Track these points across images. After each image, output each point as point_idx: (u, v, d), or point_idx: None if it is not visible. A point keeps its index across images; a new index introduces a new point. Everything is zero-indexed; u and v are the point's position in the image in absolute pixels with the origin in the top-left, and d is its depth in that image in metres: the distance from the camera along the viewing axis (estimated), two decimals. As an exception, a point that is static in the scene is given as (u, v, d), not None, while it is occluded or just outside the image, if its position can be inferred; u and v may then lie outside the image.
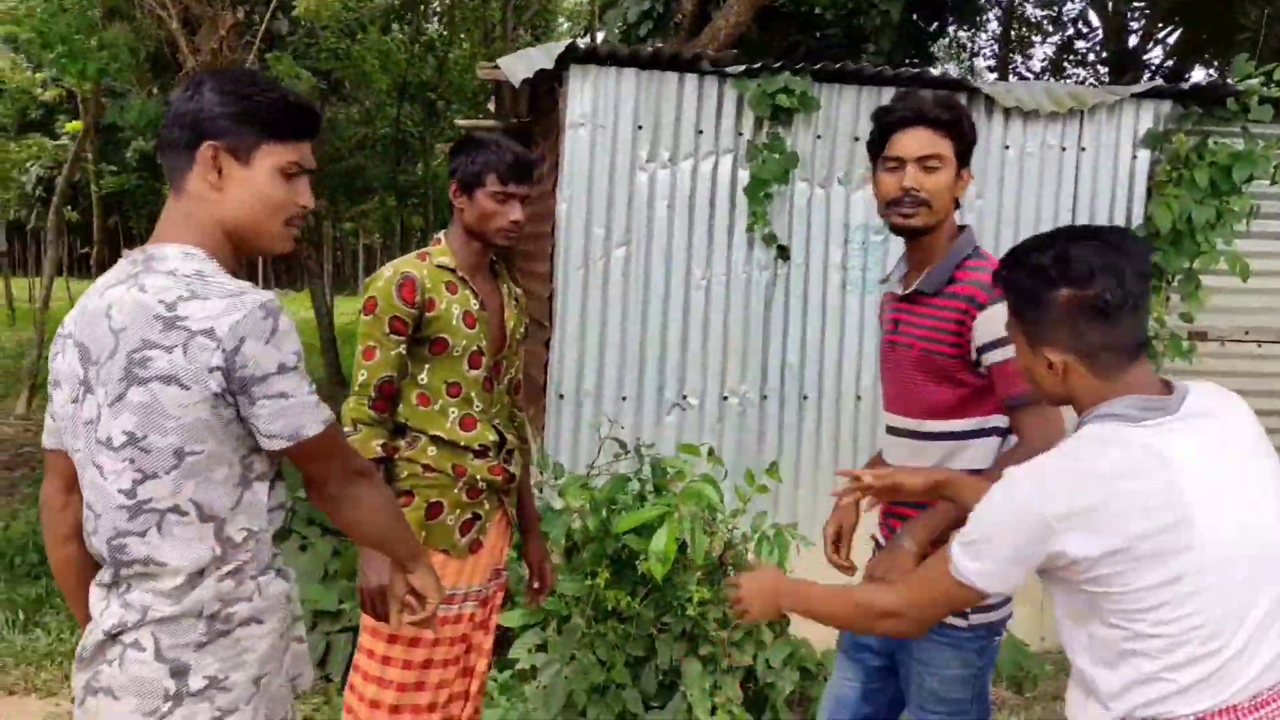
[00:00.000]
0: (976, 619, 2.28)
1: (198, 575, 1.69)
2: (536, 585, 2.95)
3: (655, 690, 3.63)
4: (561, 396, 4.48)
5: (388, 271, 2.58)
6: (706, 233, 4.53)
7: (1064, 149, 4.75)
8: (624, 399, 4.51)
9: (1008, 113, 4.67)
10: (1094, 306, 1.60)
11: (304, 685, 1.95)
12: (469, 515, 2.66)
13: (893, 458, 2.43)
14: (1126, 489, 1.54)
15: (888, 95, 4.54)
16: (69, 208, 11.72)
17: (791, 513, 4.53)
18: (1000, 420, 2.26)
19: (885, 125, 2.31)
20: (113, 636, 1.71)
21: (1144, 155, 4.78)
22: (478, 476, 2.65)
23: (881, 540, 2.50)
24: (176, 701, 1.68)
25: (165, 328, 1.61)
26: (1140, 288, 1.62)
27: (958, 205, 2.35)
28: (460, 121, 6.93)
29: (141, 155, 26.39)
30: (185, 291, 1.63)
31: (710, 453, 3.73)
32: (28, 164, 16.60)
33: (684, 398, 4.56)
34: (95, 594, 1.76)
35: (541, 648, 3.75)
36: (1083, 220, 4.77)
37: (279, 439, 1.67)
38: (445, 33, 13.38)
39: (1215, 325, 4.92)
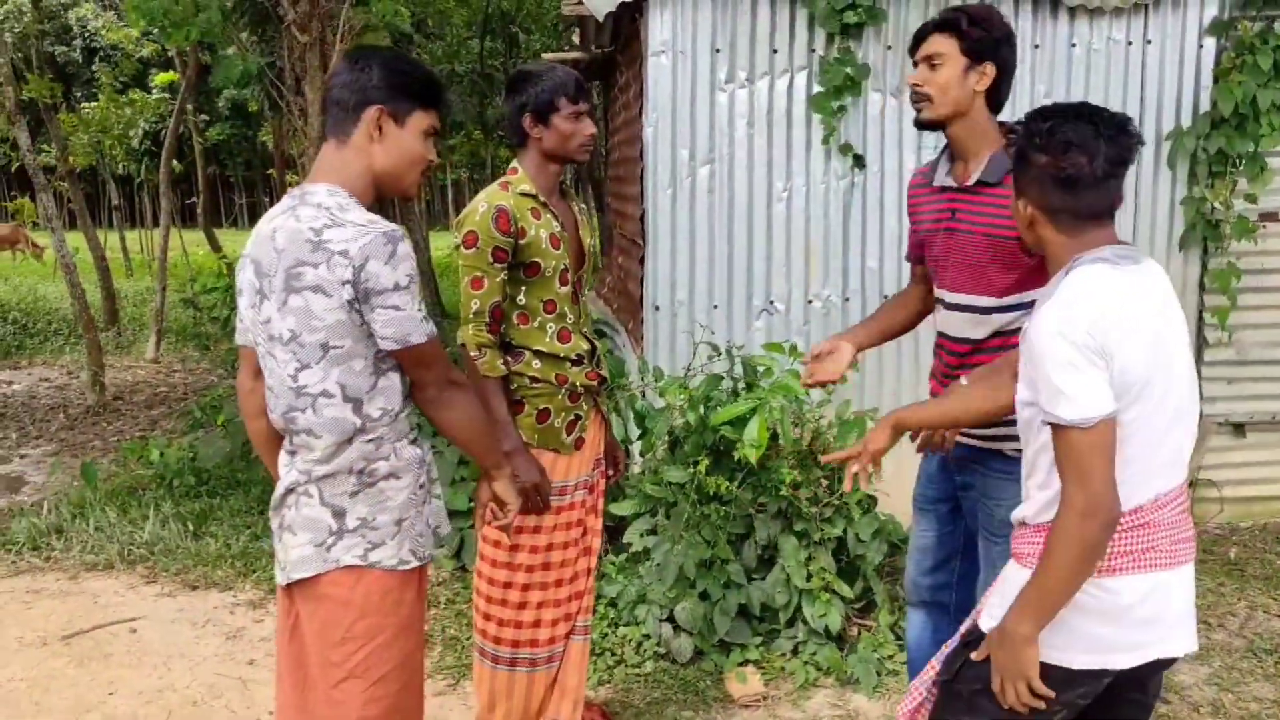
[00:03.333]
0: None
1: (345, 442, 2.14)
2: (612, 472, 3.29)
3: (755, 564, 4.04)
4: (657, 308, 4.86)
5: (481, 205, 2.79)
6: (785, 147, 4.81)
7: (1130, 43, 4.88)
8: (715, 307, 4.87)
9: (1073, 11, 4.82)
10: (1059, 177, 1.91)
11: (444, 532, 2.43)
12: (572, 417, 2.99)
13: (953, 329, 2.72)
14: (1122, 310, 1.85)
15: (955, 1, 4.74)
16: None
17: (875, 399, 4.85)
18: (1038, 294, 2.57)
19: (913, 41, 2.66)
20: (290, 490, 2.20)
21: (1209, 44, 4.89)
22: (577, 383, 2.96)
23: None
24: (338, 536, 2.17)
25: (313, 249, 2.04)
26: (1111, 171, 1.90)
27: (994, 101, 2.61)
28: (546, 56, 7.21)
29: (233, 105, 27.13)
30: (329, 220, 2.06)
31: (794, 349, 4.08)
32: (139, 121, 17.32)
33: (771, 303, 4.90)
34: (282, 458, 2.26)
35: (651, 532, 4.18)
36: (1150, 112, 4.93)
37: (390, 341, 2.09)
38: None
39: (1285, 205, 5.05)
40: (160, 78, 20.18)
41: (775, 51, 4.74)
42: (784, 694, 3.73)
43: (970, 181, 2.61)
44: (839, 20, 4.61)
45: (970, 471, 2.73)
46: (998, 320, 2.62)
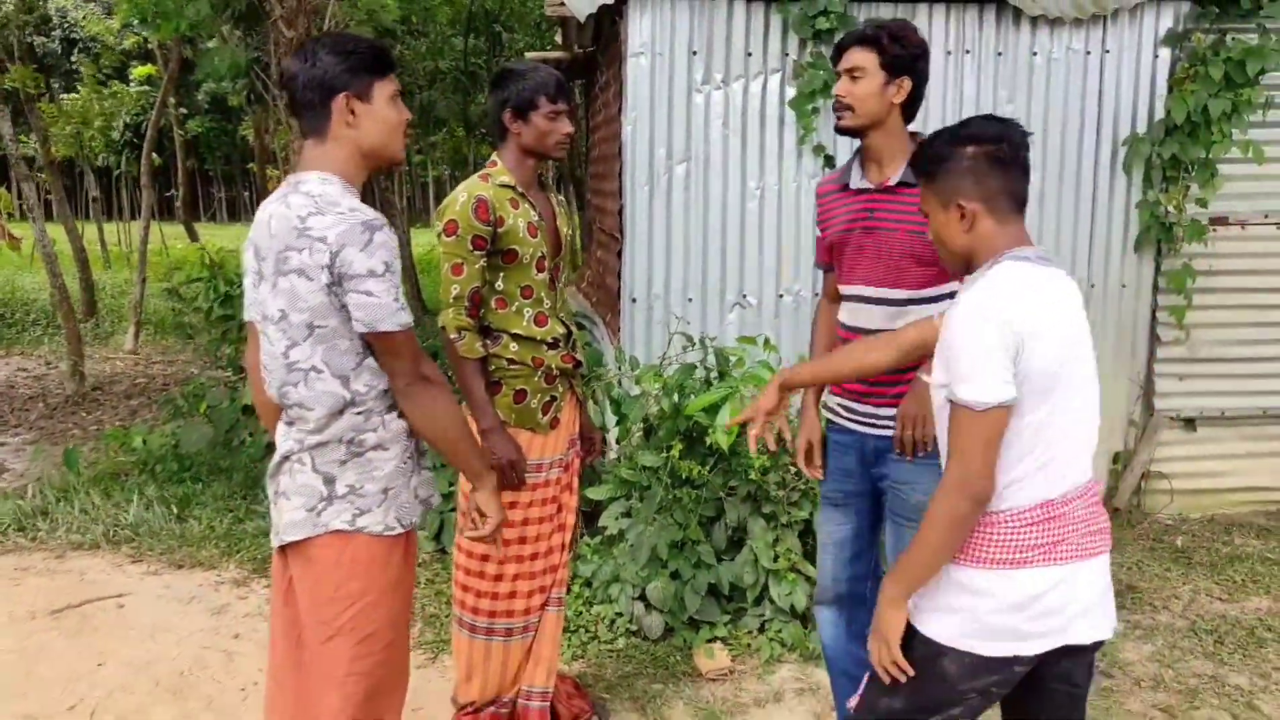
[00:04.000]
0: None
1: (336, 414, 2.25)
2: (587, 453, 3.42)
3: (725, 545, 4.21)
4: (634, 300, 5.02)
5: (462, 195, 2.91)
6: (759, 147, 4.99)
7: (1089, 53, 5.09)
8: (690, 300, 5.04)
9: (1034, 21, 5.02)
10: (994, 157, 2.04)
11: (435, 503, 2.51)
12: (548, 398, 3.12)
13: (865, 321, 2.84)
14: (1041, 305, 1.96)
15: (921, 10, 4.94)
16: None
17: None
18: (954, 287, 2.71)
19: (835, 51, 2.83)
20: (286, 458, 2.33)
21: (1164, 54, 5.10)
22: (552, 365, 3.09)
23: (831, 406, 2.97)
24: (328, 502, 2.29)
25: (298, 235, 2.17)
26: (1022, 156, 2.07)
27: (908, 110, 2.77)
28: (530, 55, 7.36)
29: (213, 99, 27.07)
30: (314, 208, 2.18)
31: (766, 342, 4.25)
32: (121, 113, 17.30)
33: (744, 297, 5.07)
34: (280, 429, 2.39)
35: (626, 515, 4.33)
36: (1107, 119, 5.14)
37: (361, 325, 2.19)
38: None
39: (1234, 210, 5.27)
40: (139, 70, 20.15)
41: (750, 54, 4.92)
42: (749, 669, 3.90)
43: (890, 183, 2.77)
44: (811, 26, 4.79)
45: (886, 461, 2.85)
46: (913, 313, 2.74)
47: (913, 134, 2.82)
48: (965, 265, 2.12)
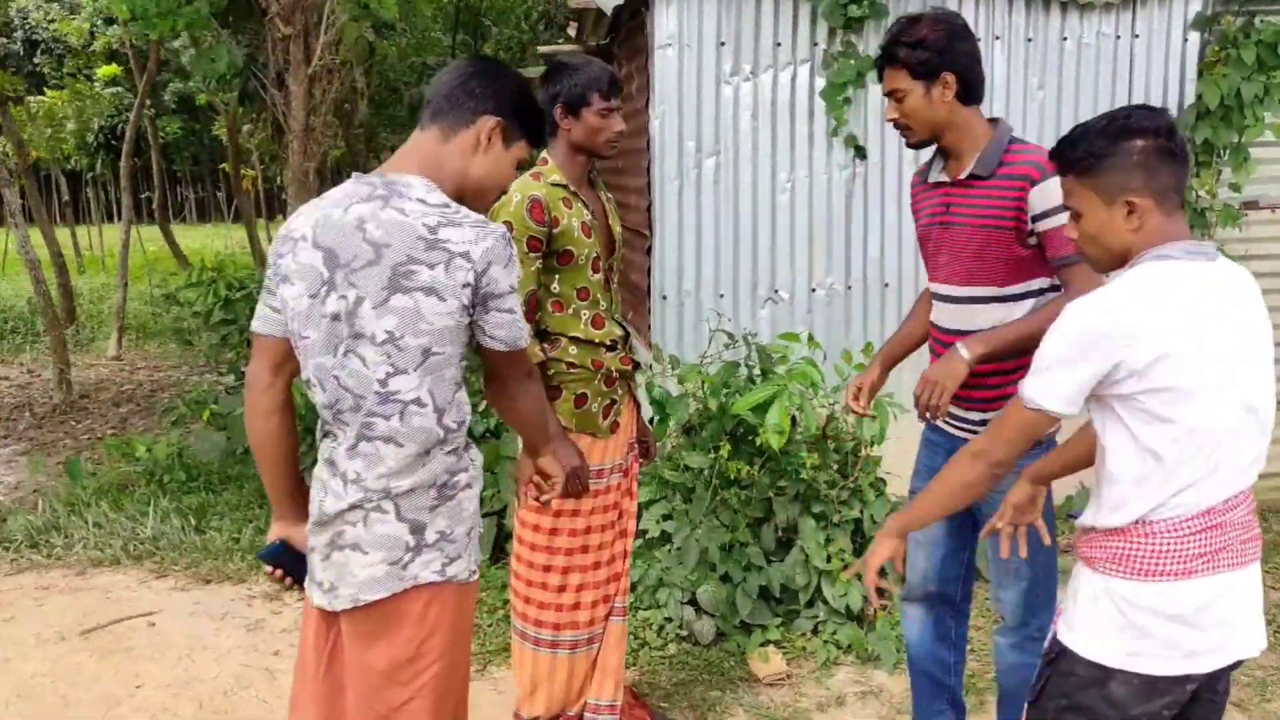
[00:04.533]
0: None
1: (425, 454, 2.04)
2: (644, 456, 3.33)
3: (774, 546, 4.13)
4: (665, 297, 4.92)
5: (515, 196, 2.81)
6: (789, 138, 4.90)
7: (1119, 37, 5.04)
8: (721, 296, 4.95)
9: (1064, 6, 4.96)
10: (1165, 149, 1.93)
11: (479, 533, 2.33)
12: (608, 401, 3.03)
13: (948, 321, 2.78)
14: (1174, 305, 1.86)
15: (951, -3, 4.86)
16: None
17: (891, 384, 4.94)
18: (1042, 283, 2.65)
19: (877, 71, 2.74)
20: (357, 506, 2.04)
21: (1194, 38, 5.06)
22: (612, 368, 3.01)
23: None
24: (415, 552, 2.06)
25: (428, 247, 1.95)
26: (1184, 148, 1.96)
27: (969, 95, 2.64)
28: (542, 49, 7.23)
29: (180, 99, 26.63)
30: (442, 219, 1.98)
31: (810, 338, 4.18)
32: (94, 116, 16.97)
33: (776, 291, 4.99)
34: (337, 464, 2.07)
35: (667, 517, 4.24)
36: (1138, 104, 5.09)
37: (499, 343, 2.07)
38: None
39: (1267, 194, 5.24)
40: (104, 71, 19.82)
41: (779, 44, 4.82)
42: (806, 672, 3.83)
43: (962, 175, 2.69)
44: (843, 14, 4.70)
45: None
46: (996, 312, 2.66)
47: (992, 120, 2.72)
48: (1120, 263, 2.01)
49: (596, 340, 2.97)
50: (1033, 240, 2.60)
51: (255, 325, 2.16)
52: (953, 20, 2.64)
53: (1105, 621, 1.95)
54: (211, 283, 6.59)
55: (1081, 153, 1.99)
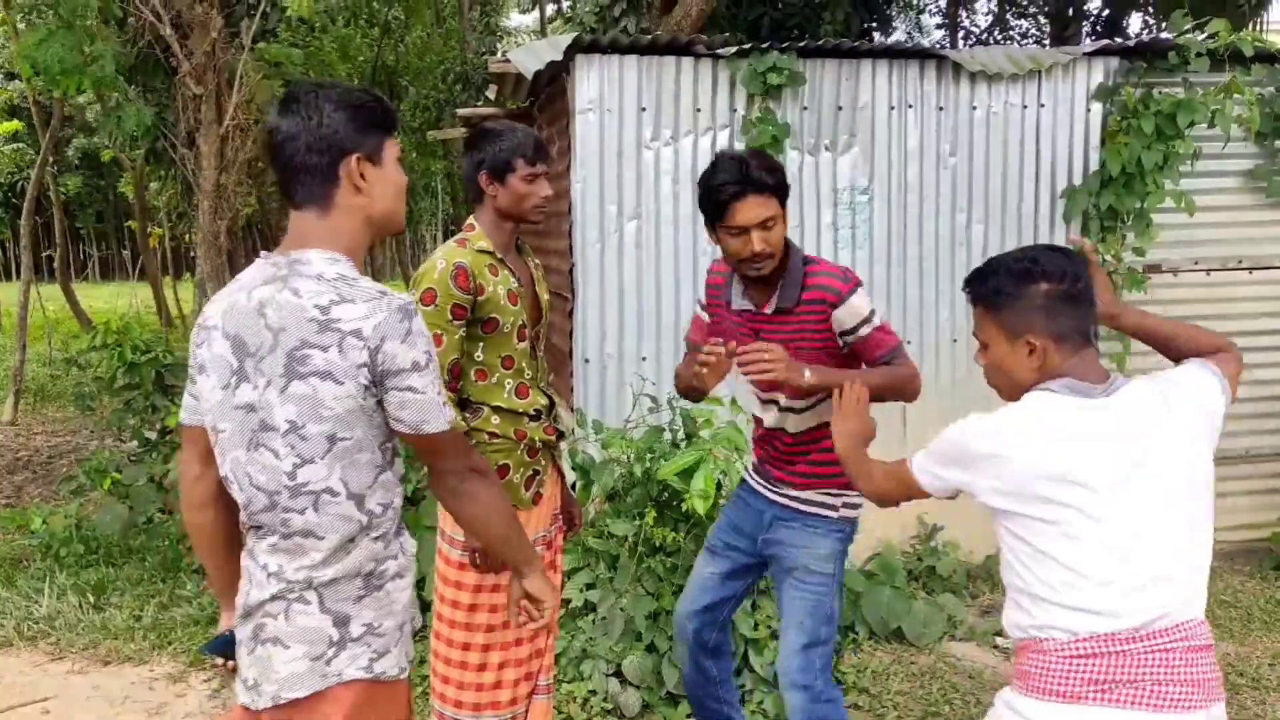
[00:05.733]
0: (844, 513, 2.89)
1: (349, 542, 1.91)
2: (569, 527, 3.27)
3: (701, 614, 4.07)
4: (587, 361, 4.88)
5: (440, 263, 2.75)
6: (709, 202, 4.92)
7: (1025, 107, 5.20)
8: (644, 359, 4.92)
9: (973, 77, 5.11)
10: (1069, 295, 2.00)
11: (415, 626, 2.25)
12: (530, 472, 2.96)
13: (780, 424, 2.92)
14: (1039, 435, 1.91)
15: (866, 67, 4.97)
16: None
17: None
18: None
19: (721, 201, 2.64)
20: (277, 597, 1.92)
21: (1097, 108, 5.25)
22: (535, 438, 2.93)
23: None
24: (339, 647, 1.93)
25: (320, 329, 1.82)
26: (1088, 289, 2.04)
27: None
28: (461, 111, 7.21)
29: (83, 154, 26.03)
30: (335, 295, 1.84)
31: (733, 402, 4.15)
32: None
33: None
34: (256, 563, 1.96)
35: (590, 586, 4.16)
36: (1045, 171, 5.25)
37: (404, 425, 1.89)
38: (401, 17, 13.55)
39: (1168, 258, 5.42)
40: (4, 126, 19.30)
41: (699, 110, 4.87)
42: (735, 743, 3.74)
43: (769, 310, 2.78)
44: (762, 81, 4.77)
45: (778, 528, 2.96)
46: (812, 415, 2.85)
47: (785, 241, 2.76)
48: (1020, 394, 2.06)
49: (520, 410, 2.90)
50: (845, 348, 2.76)
51: (182, 416, 2.07)
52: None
53: None
54: (116, 345, 6.31)
55: (990, 290, 2.07)
